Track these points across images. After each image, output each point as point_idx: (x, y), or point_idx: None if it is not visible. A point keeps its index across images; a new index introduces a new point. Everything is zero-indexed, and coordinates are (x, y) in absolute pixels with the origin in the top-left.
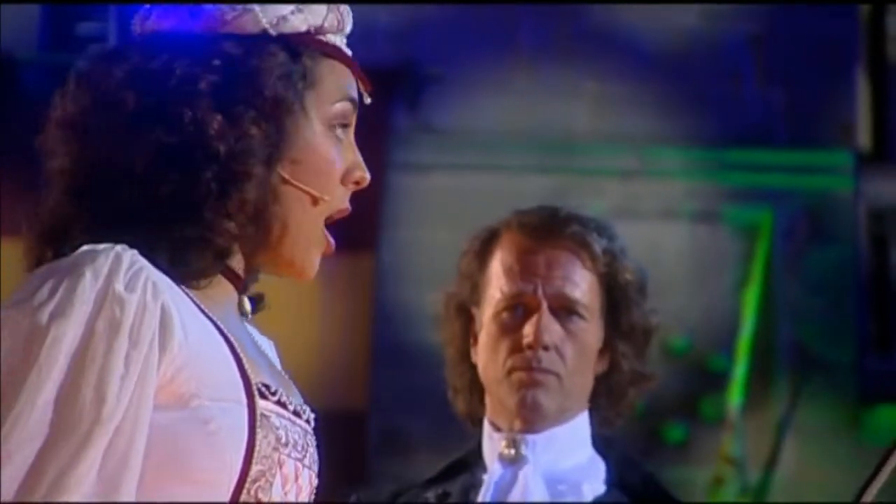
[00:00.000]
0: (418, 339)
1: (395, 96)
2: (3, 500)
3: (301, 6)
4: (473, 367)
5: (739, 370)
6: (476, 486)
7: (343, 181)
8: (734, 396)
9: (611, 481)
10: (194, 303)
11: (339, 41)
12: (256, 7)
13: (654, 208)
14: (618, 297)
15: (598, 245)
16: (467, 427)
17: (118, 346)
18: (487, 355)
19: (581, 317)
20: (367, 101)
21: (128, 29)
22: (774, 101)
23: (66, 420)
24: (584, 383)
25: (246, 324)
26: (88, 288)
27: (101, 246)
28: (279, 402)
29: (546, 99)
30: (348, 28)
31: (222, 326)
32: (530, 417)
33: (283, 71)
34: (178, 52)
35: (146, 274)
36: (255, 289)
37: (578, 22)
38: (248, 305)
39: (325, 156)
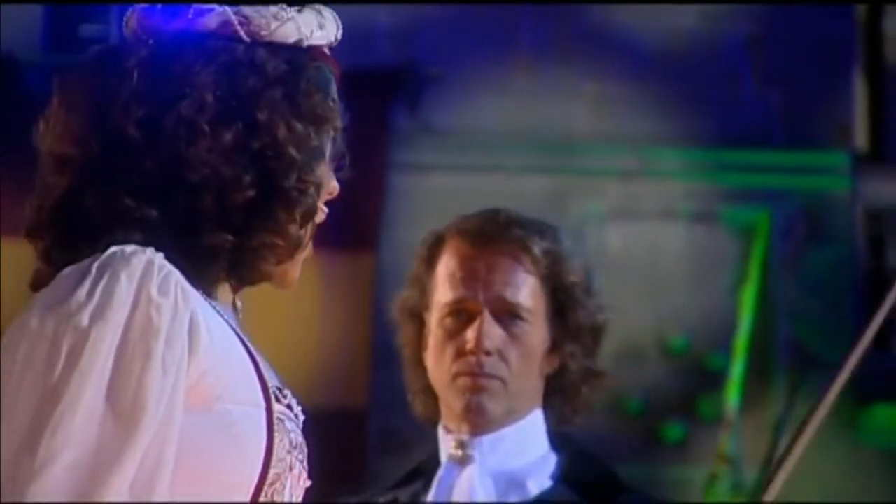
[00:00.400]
0: None
1: (396, 97)
2: (47, 501)
3: (324, 21)
4: (426, 372)
5: (737, 369)
6: (428, 487)
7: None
8: (732, 396)
9: (559, 477)
10: (213, 308)
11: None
12: (297, 17)
13: (652, 208)
14: (563, 299)
15: (539, 248)
16: (430, 429)
17: (156, 350)
18: (435, 360)
19: (524, 320)
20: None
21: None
22: (772, 102)
23: (108, 423)
24: (531, 385)
25: None
26: (125, 291)
27: (129, 248)
28: (288, 406)
29: (546, 99)
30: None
31: (238, 331)
32: (476, 421)
33: (327, 89)
34: (231, 58)
35: (175, 278)
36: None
37: (578, 23)
38: (239, 304)
39: (329, 170)
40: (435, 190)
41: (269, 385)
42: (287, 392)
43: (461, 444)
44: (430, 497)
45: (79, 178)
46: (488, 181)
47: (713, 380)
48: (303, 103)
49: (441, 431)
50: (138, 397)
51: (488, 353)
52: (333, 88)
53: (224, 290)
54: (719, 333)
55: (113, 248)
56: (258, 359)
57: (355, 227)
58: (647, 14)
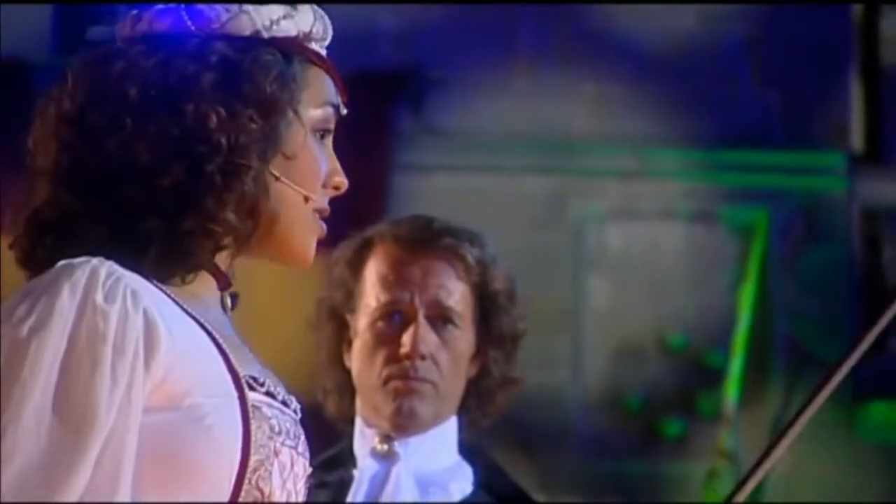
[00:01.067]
0: None
1: (398, 99)
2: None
3: (292, 12)
4: (346, 371)
5: (735, 367)
6: (347, 481)
7: (324, 185)
8: (731, 393)
9: (478, 483)
10: (177, 304)
11: (322, 49)
12: (250, 9)
13: (652, 208)
14: (488, 306)
15: (472, 256)
16: (338, 428)
17: (103, 357)
18: (363, 362)
19: (455, 325)
20: (344, 111)
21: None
22: (770, 103)
23: (56, 431)
24: (457, 389)
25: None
26: (67, 301)
27: (77, 260)
28: (268, 393)
29: (546, 101)
30: (329, 37)
31: (206, 324)
32: (405, 424)
33: (278, 72)
34: (175, 50)
35: (124, 283)
36: (263, 284)
37: (578, 25)
38: (228, 301)
39: (313, 157)
40: (437, 191)
41: (241, 375)
42: (266, 380)
43: (386, 439)
44: (353, 491)
45: (48, 187)
46: (490, 182)
47: (712, 377)
48: (241, 88)
49: (360, 425)
50: (88, 405)
51: (423, 358)
52: (295, 73)
53: (203, 286)
54: (718, 331)
55: (61, 262)
56: (228, 351)
57: (360, 228)
58: (646, 15)
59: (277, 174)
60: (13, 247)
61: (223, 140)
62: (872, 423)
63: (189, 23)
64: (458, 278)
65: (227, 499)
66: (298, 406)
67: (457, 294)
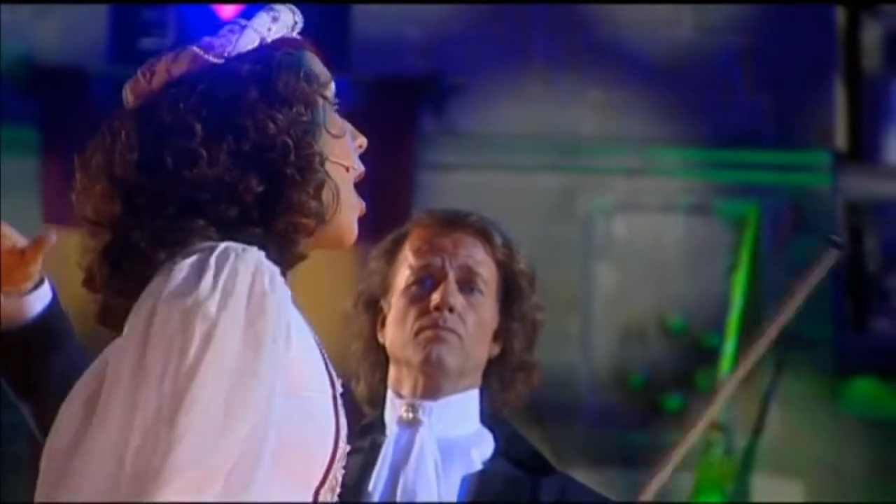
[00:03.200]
0: None
1: (422, 103)
2: (186, 469)
3: (276, 14)
4: (379, 349)
5: (729, 346)
6: (377, 446)
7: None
8: (725, 370)
9: (499, 450)
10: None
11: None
12: (248, 23)
13: (654, 203)
14: (511, 286)
15: (499, 236)
16: (367, 411)
17: (267, 343)
18: (396, 324)
19: (481, 292)
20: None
21: (185, 43)
22: (761, 107)
23: (232, 410)
24: (480, 354)
25: None
26: (243, 284)
27: (239, 245)
28: (340, 391)
29: (557, 105)
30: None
31: (307, 321)
32: (434, 373)
33: (297, 66)
34: (212, 82)
35: (278, 275)
36: (298, 278)
37: (586, 36)
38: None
39: (341, 128)
40: (458, 187)
41: (331, 368)
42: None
43: (412, 408)
44: (383, 454)
45: (129, 203)
46: (505, 179)
47: (708, 356)
48: (281, 91)
49: (391, 396)
50: (250, 388)
51: (451, 310)
52: (308, 63)
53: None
54: (714, 314)
55: (224, 244)
56: (322, 347)
57: (387, 221)
58: (649, 27)
59: (327, 153)
60: (87, 284)
61: (287, 140)
62: (855, 397)
63: (207, 56)
64: (486, 253)
65: (317, 483)
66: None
67: (484, 266)
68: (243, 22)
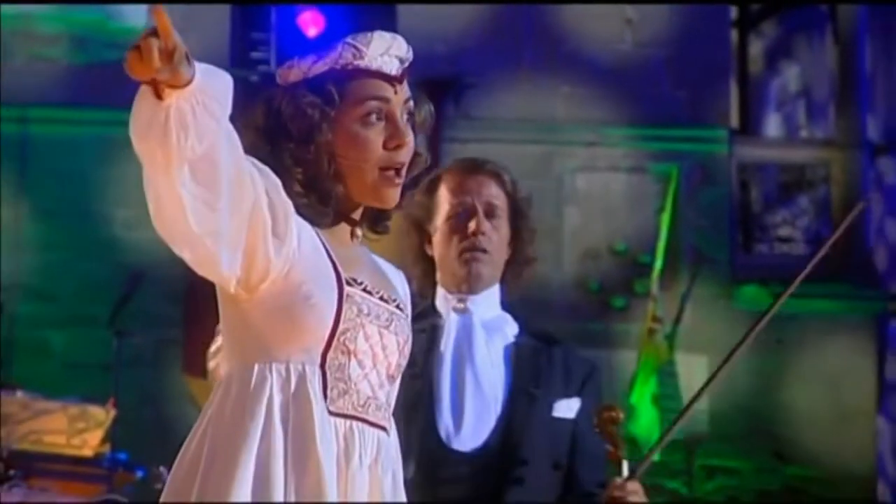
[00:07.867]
0: None
1: (447, 96)
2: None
3: (355, 52)
4: (428, 259)
5: (658, 263)
6: (438, 326)
7: (385, 146)
8: (655, 279)
9: (522, 329)
10: (317, 234)
11: (379, 62)
12: (324, 55)
13: (605, 165)
14: (517, 209)
15: (507, 175)
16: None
17: (289, 216)
18: (443, 245)
19: (499, 217)
20: (398, 73)
21: (283, 53)
22: (680, 98)
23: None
24: (501, 260)
25: (373, 255)
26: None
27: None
28: (365, 290)
29: (539, 97)
30: (371, 52)
31: (326, 244)
32: (474, 282)
33: (312, 99)
34: (304, 94)
35: (296, 217)
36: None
37: (560, 48)
38: (359, 233)
39: (357, 136)
40: (469, 155)
41: (343, 275)
42: (366, 282)
43: (462, 301)
44: (446, 333)
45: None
46: (503, 149)
47: (643, 270)
48: (317, 116)
49: (442, 292)
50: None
51: (483, 234)
52: (331, 92)
53: (344, 231)
54: (647, 241)
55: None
56: (336, 260)
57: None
58: (602, 42)
59: (339, 154)
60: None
61: (320, 138)
62: (745, 298)
63: (303, 67)
64: (500, 188)
65: (323, 347)
66: (403, 303)
67: (500, 199)
68: (322, 56)
